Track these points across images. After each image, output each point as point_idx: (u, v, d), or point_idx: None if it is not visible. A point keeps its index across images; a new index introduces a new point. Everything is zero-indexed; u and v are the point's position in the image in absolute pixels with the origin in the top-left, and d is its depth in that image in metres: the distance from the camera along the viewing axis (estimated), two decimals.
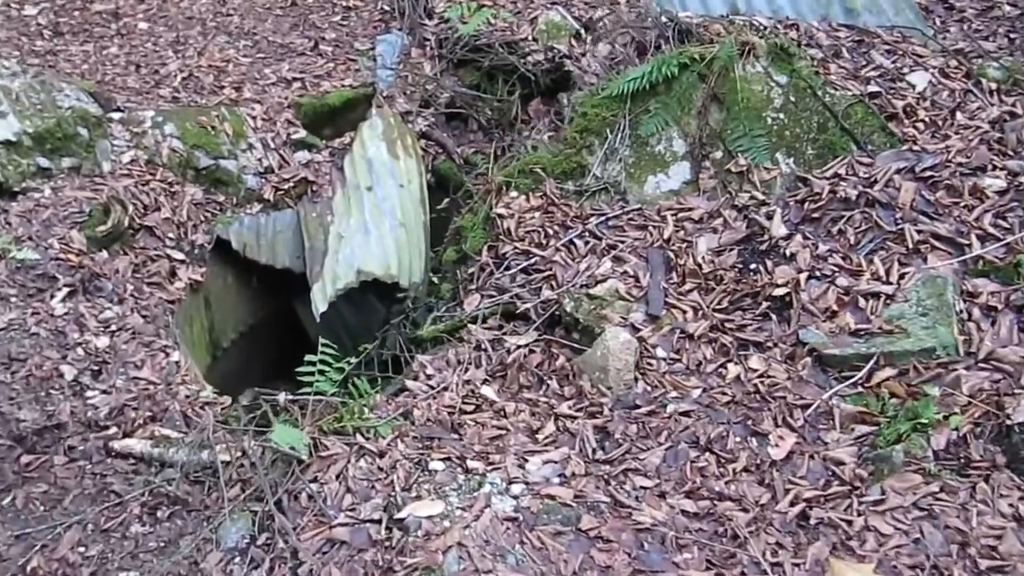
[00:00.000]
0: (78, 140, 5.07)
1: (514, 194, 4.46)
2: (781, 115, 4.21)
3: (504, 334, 4.01)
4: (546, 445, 3.33)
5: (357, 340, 5.93)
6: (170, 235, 5.07)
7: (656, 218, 4.21)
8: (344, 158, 5.80)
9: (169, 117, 5.52)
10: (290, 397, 3.61)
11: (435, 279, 5.26)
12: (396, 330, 5.23)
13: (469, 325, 4.10)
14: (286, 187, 5.67)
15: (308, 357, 3.53)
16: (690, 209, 4.19)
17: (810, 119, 4.20)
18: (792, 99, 4.22)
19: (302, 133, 5.93)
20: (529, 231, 4.28)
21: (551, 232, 4.26)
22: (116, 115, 5.45)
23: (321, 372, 3.45)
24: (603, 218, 4.27)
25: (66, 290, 4.37)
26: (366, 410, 3.52)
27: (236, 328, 5.63)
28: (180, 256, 5.03)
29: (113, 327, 4.29)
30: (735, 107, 4.23)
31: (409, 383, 3.87)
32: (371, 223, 5.24)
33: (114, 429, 3.65)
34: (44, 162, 4.94)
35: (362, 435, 3.36)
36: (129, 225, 4.87)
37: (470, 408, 3.62)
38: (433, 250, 5.56)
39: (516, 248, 4.24)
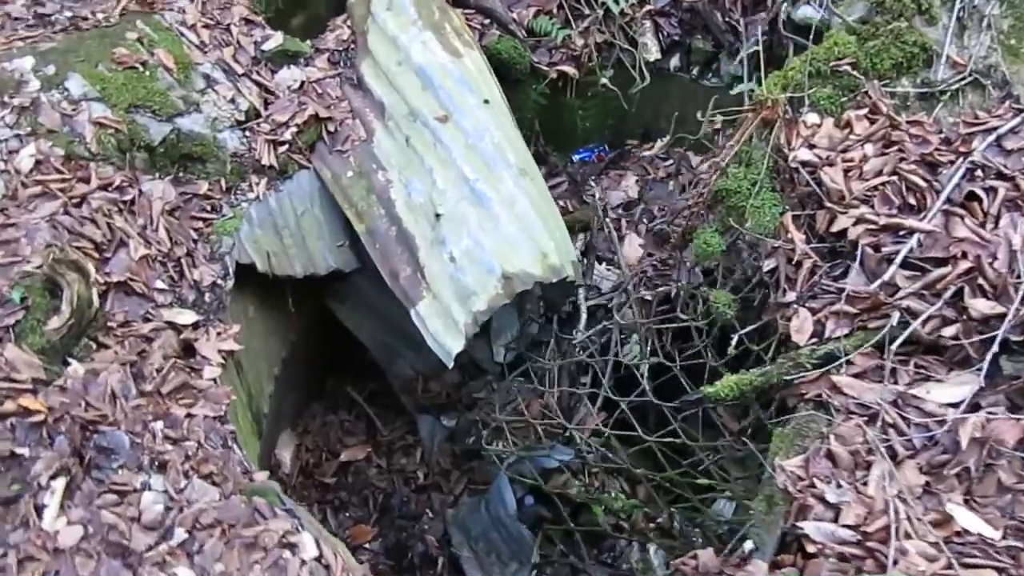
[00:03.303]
0: None
1: (813, 118, 2.57)
2: None
3: (912, 384, 2.29)
4: None
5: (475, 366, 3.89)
6: (159, 284, 2.89)
7: None
8: (361, 66, 3.61)
9: (65, 60, 3.11)
10: None
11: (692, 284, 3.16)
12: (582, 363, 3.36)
13: (824, 373, 2.35)
14: (288, 137, 3.45)
15: None
16: None
17: None
18: None
19: (276, 37, 3.61)
20: (874, 185, 2.45)
21: (915, 179, 2.44)
22: None
23: None
24: (993, 137, 2.47)
25: (55, 482, 2.25)
26: None
27: (271, 375, 3.59)
28: (188, 316, 2.89)
29: (181, 529, 2.25)
30: None
31: (808, 527, 2.14)
32: (479, 181, 3.21)
33: None
34: None
35: None
36: (89, 296, 2.66)
37: None
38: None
39: (863, 220, 2.42)
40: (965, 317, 2.27)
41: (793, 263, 2.50)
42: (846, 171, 2.46)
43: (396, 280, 3.21)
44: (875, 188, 2.42)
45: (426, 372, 3.99)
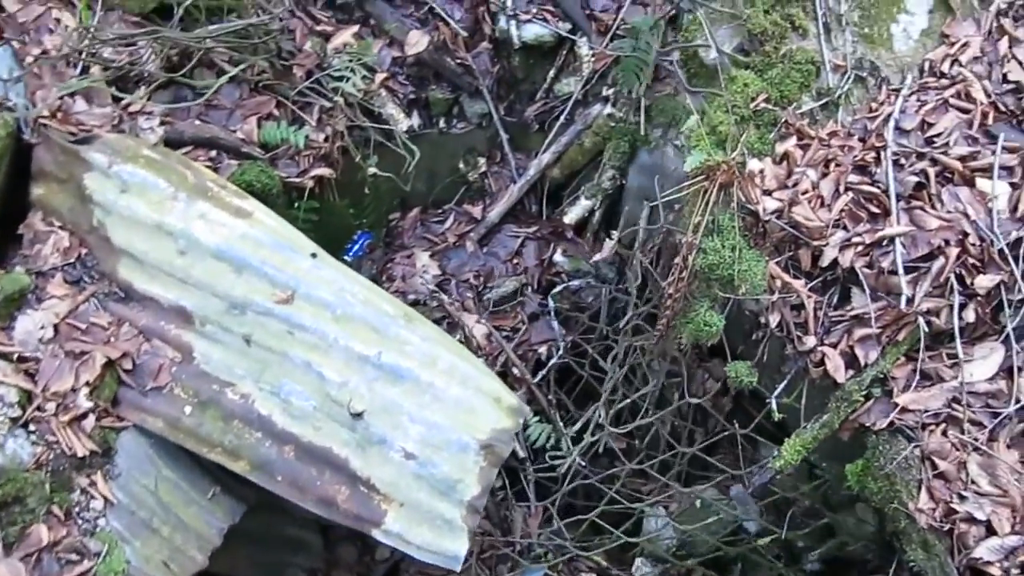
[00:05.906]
0: None
1: (756, 165, 2.48)
2: None
3: (956, 375, 2.42)
4: None
5: None
6: None
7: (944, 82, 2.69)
8: (120, 273, 2.81)
9: None
10: None
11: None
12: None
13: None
14: (86, 404, 2.56)
15: None
16: (964, 45, 2.73)
17: None
18: None
19: None
20: (840, 208, 2.48)
21: (865, 187, 2.51)
22: None
23: None
24: (892, 124, 2.60)
25: None
26: None
27: None
28: None
29: None
30: None
31: (981, 552, 2.20)
32: (383, 354, 2.68)
33: None
34: None
35: None
36: None
37: None
38: None
39: (850, 244, 2.45)
40: (977, 296, 2.41)
41: (795, 309, 2.46)
42: (811, 201, 2.45)
43: (334, 507, 2.59)
44: (841, 211, 2.44)
45: (324, 567, 3.37)
